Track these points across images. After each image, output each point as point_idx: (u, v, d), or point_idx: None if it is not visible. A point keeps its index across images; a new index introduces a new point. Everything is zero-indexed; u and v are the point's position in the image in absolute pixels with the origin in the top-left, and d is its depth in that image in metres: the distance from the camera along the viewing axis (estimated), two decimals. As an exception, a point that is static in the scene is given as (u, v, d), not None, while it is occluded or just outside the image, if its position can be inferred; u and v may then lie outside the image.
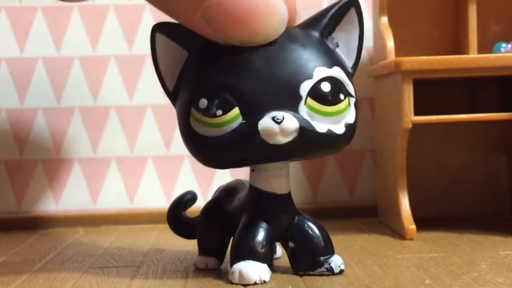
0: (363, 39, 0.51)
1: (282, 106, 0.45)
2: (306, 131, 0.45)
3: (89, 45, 0.85)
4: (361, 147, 0.85)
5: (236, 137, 0.45)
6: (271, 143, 0.45)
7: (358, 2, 0.50)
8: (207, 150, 0.47)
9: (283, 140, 0.45)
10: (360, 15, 0.50)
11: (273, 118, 0.45)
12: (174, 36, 0.48)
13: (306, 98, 0.46)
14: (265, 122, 0.45)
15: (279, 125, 0.44)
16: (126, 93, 0.84)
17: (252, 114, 0.45)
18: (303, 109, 0.46)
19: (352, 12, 0.50)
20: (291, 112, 0.45)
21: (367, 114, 0.85)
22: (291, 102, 0.45)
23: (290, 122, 0.45)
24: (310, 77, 0.46)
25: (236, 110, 0.45)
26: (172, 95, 0.50)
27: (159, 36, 0.48)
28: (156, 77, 0.50)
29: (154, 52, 0.49)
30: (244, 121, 0.45)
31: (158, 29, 0.48)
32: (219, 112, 0.45)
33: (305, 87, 0.46)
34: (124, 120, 0.85)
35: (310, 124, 0.46)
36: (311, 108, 0.46)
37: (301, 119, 0.45)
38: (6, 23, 0.84)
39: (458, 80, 0.73)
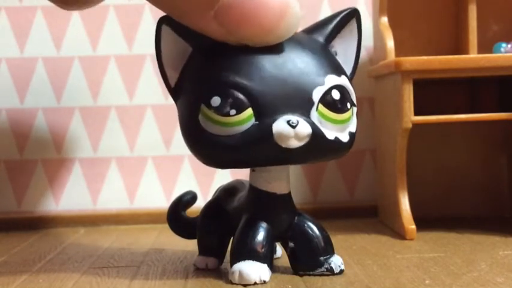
0: (360, 50, 0.51)
1: (294, 110, 0.45)
2: (317, 137, 0.45)
3: (89, 45, 0.85)
4: (361, 147, 0.85)
5: (248, 138, 0.45)
6: (283, 146, 0.45)
7: (359, 13, 0.51)
8: (216, 148, 0.46)
9: (296, 144, 0.45)
10: (360, 26, 0.51)
11: (288, 122, 0.44)
12: (180, 31, 0.48)
13: (318, 104, 0.46)
14: (280, 125, 0.44)
15: (294, 129, 0.44)
16: (126, 93, 0.84)
17: (266, 116, 0.45)
18: (314, 115, 0.46)
19: (353, 22, 0.51)
20: (304, 117, 0.45)
21: (367, 114, 0.85)
22: (304, 107, 0.45)
23: (304, 127, 0.45)
24: (322, 84, 0.46)
25: (249, 111, 0.45)
26: (174, 91, 0.49)
27: (165, 29, 0.48)
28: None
29: (159, 45, 0.48)
30: (257, 122, 0.45)
31: (165, 21, 0.48)
32: (233, 112, 0.45)
33: (317, 93, 0.46)
34: (124, 120, 0.85)
35: (321, 130, 0.46)
36: (322, 114, 0.46)
37: (313, 125, 0.45)
38: (6, 23, 0.84)
39: (458, 80, 0.73)
